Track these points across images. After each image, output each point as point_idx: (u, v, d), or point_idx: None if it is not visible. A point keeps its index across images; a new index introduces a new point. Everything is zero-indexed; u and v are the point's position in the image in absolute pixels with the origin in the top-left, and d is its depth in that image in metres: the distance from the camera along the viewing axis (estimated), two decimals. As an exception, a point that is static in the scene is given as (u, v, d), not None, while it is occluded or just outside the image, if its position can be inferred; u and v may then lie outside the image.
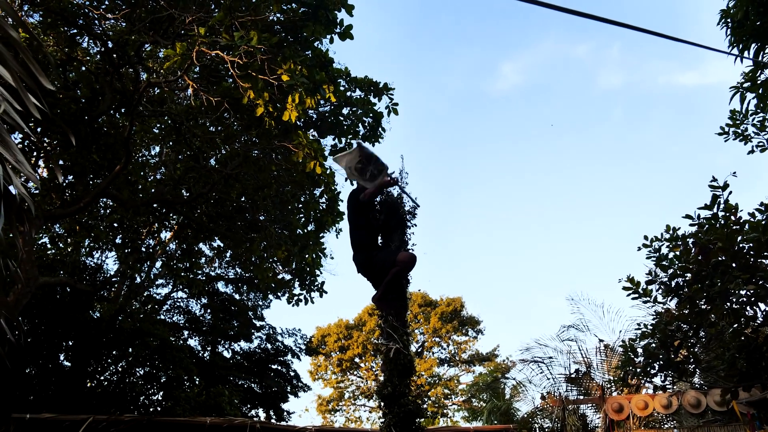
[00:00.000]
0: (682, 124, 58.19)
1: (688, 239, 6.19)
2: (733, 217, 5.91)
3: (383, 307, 4.76)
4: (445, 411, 31.52)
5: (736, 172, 6.06)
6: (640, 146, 55.51)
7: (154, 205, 13.10)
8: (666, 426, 11.69)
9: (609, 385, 12.36)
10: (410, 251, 4.93)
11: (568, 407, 12.39)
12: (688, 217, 6.19)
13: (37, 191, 11.66)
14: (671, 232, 6.37)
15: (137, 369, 15.69)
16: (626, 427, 11.20)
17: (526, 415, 14.05)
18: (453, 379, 33.16)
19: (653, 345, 6.53)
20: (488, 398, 19.82)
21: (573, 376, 13.18)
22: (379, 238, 5.27)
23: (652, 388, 11.09)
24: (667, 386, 8.00)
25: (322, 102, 10.00)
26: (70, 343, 14.47)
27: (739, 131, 8.86)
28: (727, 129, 8.92)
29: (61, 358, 14.75)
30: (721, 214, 5.98)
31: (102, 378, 15.36)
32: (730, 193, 5.95)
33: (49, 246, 15.33)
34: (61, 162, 11.77)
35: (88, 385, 14.74)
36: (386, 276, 4.82)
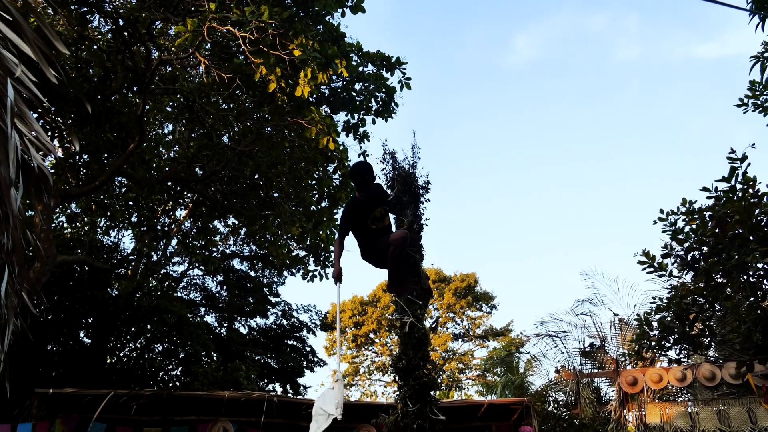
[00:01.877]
0: (700, 96, 57.23)
1: (704, 212, 6.12)
2: (751, 190, 5.83)
3: (400, 293, 4.76)
4: (459, 385, 31.83)
5: (755, 144, 5.96)
6: (658, 119, 54.72)
7: (169, 184, 13.20)
8: (680, 399, 11.71)
9: (623, 359, 12.38)
10: (402, 229, 4.92)
11: (582, 380, 12.44)
12: (705, 189, 6.10)
13: (53, 170, 11.78)
14: (688, 205, 6.31)
15: (156, 345, 15.95)
16: (640, 400, 11.24)
17: (540, 389, 14.14)
18: (467, 354, 33.40)
19: (668, 318, 6.52)
20: (502, 372, 19.95)
21: (587, 349, 13.21)
22: (392, 216, 5.28)
23: (667, 362, 11.12)
24: (682, 359, 8.01)
25: (334, 77, 9.94)
26: (90, 321, 14.72)
27: (759, 102, 8.68)
28: (746, 100, 8.74)
29: (82, 335, 15.03)
30: (739, 186, 5.89)
31: (121, 354, 15.63)
32: (749, 165, 5.85)
33: (66, 225, 15.54)
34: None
35: (108, 361, 15.02)
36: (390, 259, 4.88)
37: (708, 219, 6.06)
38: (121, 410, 9.04)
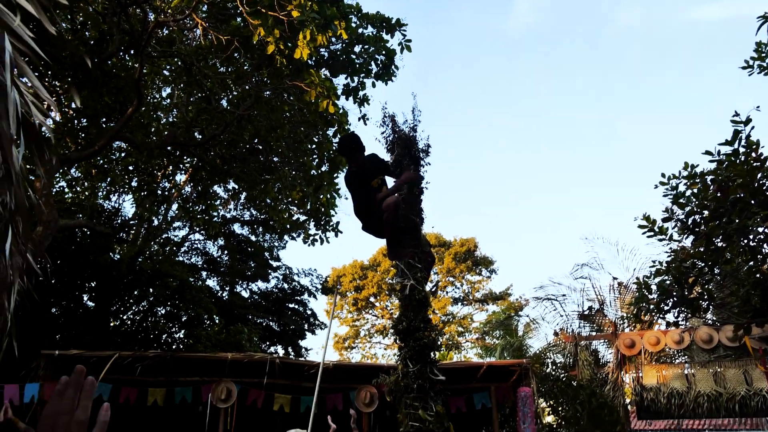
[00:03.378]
0: (703, 60, 56.45)
1: (706, 176, 6.10)
2: (754, 154, 5.79)
3: (401, 257, 4.74)
4: (459, 348, 32.28)
5: (759, 107, 5.89)
6: (660, 83, 54.12)
7: (168, 148, 13.13)
8: (677, 361, 11.89)
9: (621, 322, 12.53)
10: (395, 195, 4.86)
11: (581, 343, 12.61)
12: (708, 153, 6.07)
13: (50, 135, 11.70)
14: (689, 169, 6.28)
15: (158, 309, 16.11)
16: (637, 362, 11.41)
17: (539, 351, 14.33)
18: (466, 318, 33.79)
19: (668, 282, 6.56)
20: (501, 335, 20.20)
21: (586, 313, 13.35)
22: (391, 178, 5.25)
23: (665, 325, 11.25)
24: (680, 322, 8.10)
25: (333, 39, 9.80)
26: (93, 284, 14.84)
27: (765, 65, 8.55)
28: (751, 62, 8.60)
29: (85, 298, 15.17)
30: (741, 150, 5.85)
31: (125, 317, 15.80)
32: (753, 128, 5.80)
33: (66, 190, 15.53)
34: (73, 105, 11.77)
35: (112, 324, 15.19)
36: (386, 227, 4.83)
37: (710, 183, 6.05)
38: (126, 371, 9.20)
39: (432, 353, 4.21)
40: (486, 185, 60.99)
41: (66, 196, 15.31)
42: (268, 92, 11.11)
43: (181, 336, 16.19)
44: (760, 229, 5.87)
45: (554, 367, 13.12)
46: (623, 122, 55.55)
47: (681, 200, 6.31)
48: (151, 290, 15.30)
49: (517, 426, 9.42)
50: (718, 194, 5.87)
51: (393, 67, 11.07)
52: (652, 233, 6.61)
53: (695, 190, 6.19)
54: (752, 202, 5.63)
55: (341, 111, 11.12)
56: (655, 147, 56.04)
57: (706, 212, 6.14)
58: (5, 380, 8.67)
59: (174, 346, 15.64)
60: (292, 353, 21.03)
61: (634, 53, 55.56)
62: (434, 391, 4.08)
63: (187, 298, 15.35)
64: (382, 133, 5.15)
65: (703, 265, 6.45)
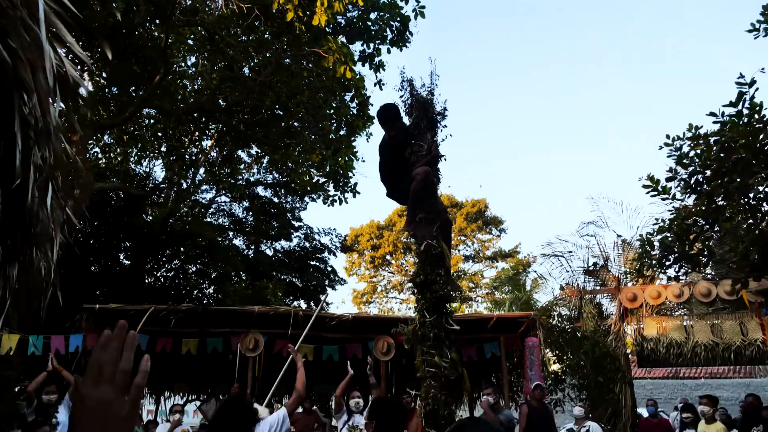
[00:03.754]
0: (710, 23, 54.68)
1: (710, 137, 5.96)
2: (757, 115, 5.64)
3: (418, 230, 4.62)
4: (470, 303, 32.54)
5: (764, 69, 5.70)
6: (666, 46, 52.62)
7: (194, 114, 13.11)
8: (677, 313, 11.86)
9: (624, 277, 12.48)
10: (424, 166, 4.70)
11: (585, 297, 12.61)
12: (712, 114, 5.91)
13: (85, 91, 11.72)
14: (693, 130, 6.14)
15: (189, 266, 16.36)
16: (639, 314, 11.41)
17: (545, 305, 14.38)
18: (477, 274, 33.93)
19: (669, 238, 6.50)
20: (510, 290, 20.29)
21: (591, 268, 13.29)
22: (412, 141, 5.13)
23: (666, 279, 11.19)
24: (680, 277, 8.05)
25: (350, 7, 9.61)
26: (128, 244, 15.08)
27: (771, 27, 8.24)
28: (758, 26, 8.29)
29: (121, 257, 15.44)
30: (745, 111, 5.69)
31: (158, 275, 16.08)
32: (757, 89, 5.63)
33: (100, 155, 15.63)
34: (104, 74, 11.75)
35: (147, 280, 15.48)
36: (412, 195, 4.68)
37: (713, 144, 5.91)
38: (161, 324, 9.41)
39: (447, 304, 4.24)
40: (497, 146, 60.43)
41: (100, 162, 15.43)
42: (287, 59, 10.99)
43: (211, 291, 16.48)
44: (761, 188, 5.76)
45: (560, 320, 13.17)
46: (629, 83, 54.36)
47: (684, 161, 6.18)
48: (182, 249, 15.52)
49: (525, 373, 9.55)
50: (721, 155, 5.75)
51: (407, 33, 10.85)
52: (655, 193, 6.51)
53: (698, 151, 6.07)
54: (754, 162, 5.51)
55: (358, 77, 10.98)
56: (659, 108, 54.89)
57: (708, 172, 6.02)
58: (52, 331, 8.92)
59: (204, 301, 15.92)
60: (314, 307, 21.31)
61: (641, 14, 53.96)
62: (449, 340, 4.12)
63: (216, 256, 15.55)
64: (401, 97, 5.06)
65: (704, 222, 6.37)
